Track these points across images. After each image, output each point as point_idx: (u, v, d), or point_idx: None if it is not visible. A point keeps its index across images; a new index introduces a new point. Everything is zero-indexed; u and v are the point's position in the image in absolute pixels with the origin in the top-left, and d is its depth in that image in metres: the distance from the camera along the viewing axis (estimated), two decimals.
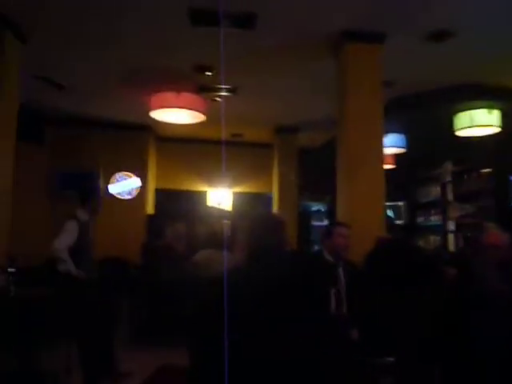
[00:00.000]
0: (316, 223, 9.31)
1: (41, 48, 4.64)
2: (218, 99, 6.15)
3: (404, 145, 6.80)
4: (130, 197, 7.83)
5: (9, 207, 4.29)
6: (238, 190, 8.85)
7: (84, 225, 4.16)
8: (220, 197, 8.68)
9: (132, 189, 7.83)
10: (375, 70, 4.31)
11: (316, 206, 9.59)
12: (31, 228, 6.51)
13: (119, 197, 7.77)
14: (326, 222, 9.05)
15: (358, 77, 4.27)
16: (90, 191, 4.51)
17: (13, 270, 3.86)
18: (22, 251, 4.39)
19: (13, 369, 3.59)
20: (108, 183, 7.70)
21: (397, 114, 5.72)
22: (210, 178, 8.64)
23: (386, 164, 4.74)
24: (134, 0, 3.78)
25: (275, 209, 7.81)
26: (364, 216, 4.02)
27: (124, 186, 7.80)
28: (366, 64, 4.28)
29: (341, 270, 3.31)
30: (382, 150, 4.36)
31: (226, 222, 7.24)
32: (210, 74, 5.24)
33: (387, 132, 5.28)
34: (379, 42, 4.27)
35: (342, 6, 3.79)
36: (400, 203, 8.71)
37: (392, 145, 6.54)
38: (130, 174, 7.84)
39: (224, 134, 7.58)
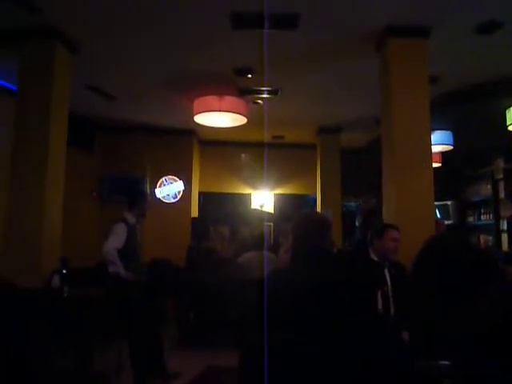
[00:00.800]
0: None
1: (89, 58, 4.81)
2: (259, 101, 6.17)
3: (451, 142, 6.59)
4: (175, 200, 7.99)
5: (60, 212, 4.46)
6: (280, 191, 8.84)
7: (132, 228, 4.27)
8: (263, 199, 8.70)
9: (177, 192, 7.99)
10: (420, 65, 4.19)
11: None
12: (83, 231, 6.76)
13: (165, 200, 7.94)
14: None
15: (402, 73, 4.16)
16: (137, 195, 4.63)
17: (65, 271, 4.02)
18: (74, 253, 4.56)
19: (66, 369, 3.72)
20: (154, 187, 7.89)
21: (443, 111, 5.55)
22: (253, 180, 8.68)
23: (433, 162, 4.60)
24: (176, 7, 3.84)
25: (319, 210, 7.74)
26: (413, 217, 3.90)
27: (169, 189, 7.97)
28: (411, 60, 4.16)
29: (387, 271, 3.25)
30: (430, 149, 4.23)
31: (269, 224, 7.28)
32: (251, 76, 5.28)
33: (433, 129, 5.13)
34: (424, 36, 4.14)
35: (385, 0, 3.71)
36: (448, 203, 8.45)
37: (439, 142, 6.35)
38: (175, 177, 8.00)
39: (265, 136, 7.60)
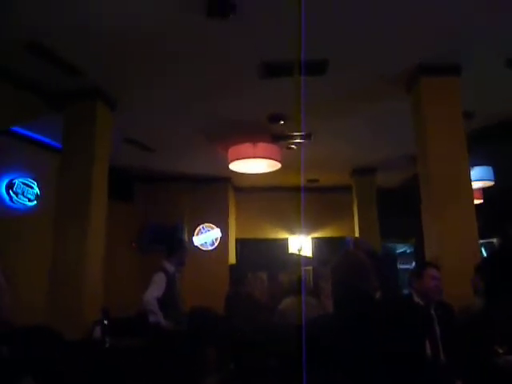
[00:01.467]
0: (403, 266, 8.91)
1: (127, 112, 5.01)
2: (293, 146, 6.23)
3: (492, 177, 6.40)
4: (212, 248, 8.02)
5: (102, 264, 4.55)
6: (318, 235, 8.75)
7: (171, 277, 4.29)
8: (300, 243, 8.62)
9: (214, 239, 8.04)
10: (453, 103, 4.15)
11: (401, 248, 9.20)
12: (123, 281, 6.83)
13: (203, 248, 7.99)
14: (413, 265, 8.64)
15: (435, 112, 4.14)
16: (176, 244, 4.67)
17: (107, 322, 4.05)
18: (114, 303, 4.60)
19: None
20: (192, 235, 7.98)
21: (482, 146, 5.43)
22: (289, 224, 8.65)
23: (474, 199, 4.45)
24: (207, 59, 3.99)
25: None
26: (457, 257, 3.74)
27: (207, 237, 8.03)
28: (444, 98, 4.14)
29: (434, 314, 3.10)
30: (470, 185, 4.13)
31: (308, 268, 7.15)
32: (283, 122, 5.36)
33: (473, 165, 5.01)
34: (455, 73, 4.13)
35: (414, 41, 3.74)
36: (494, 240, 8.11)
37: (479, 178, 6.18)
38: (212, 225, 8.07)
39: (302, 181, 7.62)
